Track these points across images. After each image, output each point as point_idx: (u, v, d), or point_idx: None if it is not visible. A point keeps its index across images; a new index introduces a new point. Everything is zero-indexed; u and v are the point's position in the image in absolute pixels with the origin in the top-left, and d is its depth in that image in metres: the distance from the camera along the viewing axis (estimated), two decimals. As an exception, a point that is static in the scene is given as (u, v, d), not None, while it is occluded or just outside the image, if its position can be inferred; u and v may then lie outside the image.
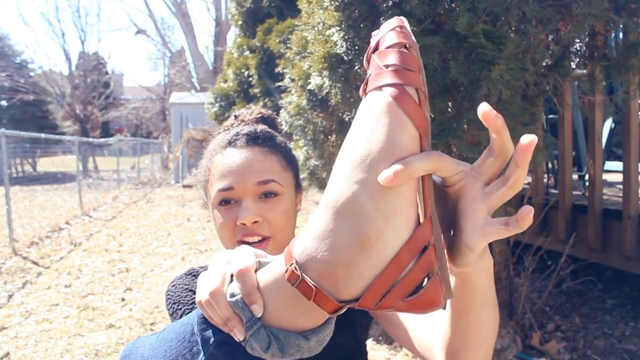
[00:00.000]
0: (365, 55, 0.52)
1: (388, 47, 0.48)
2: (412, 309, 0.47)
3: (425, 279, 0.47)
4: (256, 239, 0.82)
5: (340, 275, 0.46)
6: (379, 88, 0.47)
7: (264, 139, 0.87)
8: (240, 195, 0.82)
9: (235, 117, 0.96)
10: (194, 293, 0.91)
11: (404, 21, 0.50)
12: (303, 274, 0.47)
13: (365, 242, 0.45)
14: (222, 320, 0.51)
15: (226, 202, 0.83)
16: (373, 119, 0.47)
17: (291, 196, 0.88)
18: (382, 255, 0.45)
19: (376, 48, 0.50)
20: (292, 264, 0.47)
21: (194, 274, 0.93)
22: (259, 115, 0.96)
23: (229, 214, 0.82)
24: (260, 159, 0.84)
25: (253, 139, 0.86)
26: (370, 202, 0.45)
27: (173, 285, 0.91)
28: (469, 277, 0.56)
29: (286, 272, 0.48)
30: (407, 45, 0.48)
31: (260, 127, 0.90)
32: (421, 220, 0.48)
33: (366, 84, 0.49)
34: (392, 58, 0.47)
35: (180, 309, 0.87)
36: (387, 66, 0.48)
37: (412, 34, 0.50)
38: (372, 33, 0.52)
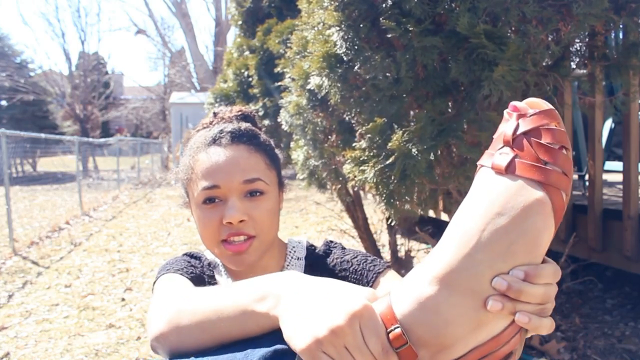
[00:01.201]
0: (508, 131, 0.52)
1: (550, 143, 0.50)
2: None
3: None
4: (242, 238, 0.80)
5: (447, 346, 0.48)
6: (533, 182, 0.49)
7: (249, 137, 0.86)
8: (225, 194, 0.81)
9: (215, 114, 0.94)
10: (192, 262, 0.90)
11: (558, 114, 0.52)
12: (409, 340, 0.48)
13: (483, 321, 0.48)
14: None
15: (211, 200, 0.81)
16: (520, 209, 0.48)
17: (275, 194, 0.87)
18: (490, 332, 0.49)
19: (528, 132, 0.51)
20: (397, 327, 0.48)
21: (190, 255, 0.93)
22: (239, 112, 0.94)
23: (214, 212, 0.81)
24: (245, 157, 0.83)
25: (238, 137, 0.85)
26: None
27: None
28: None
29: (389, 332, 0.49)
30: (565, 148, 0.51)
31: (244, 124, 0.89)
32: None
33: (512, 164, 0.50)
34: (556, 158, 0.49)
35: (169, 269, 0.85)
36: (546, 162, 0.49)
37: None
38: (515, 105, 0.53)
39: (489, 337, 0.49)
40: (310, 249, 0.95)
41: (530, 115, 0.51)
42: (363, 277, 0.85)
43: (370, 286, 0.83)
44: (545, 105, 0.52)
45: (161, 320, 0.66)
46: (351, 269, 0.87)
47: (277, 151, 0.92)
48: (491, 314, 0.48)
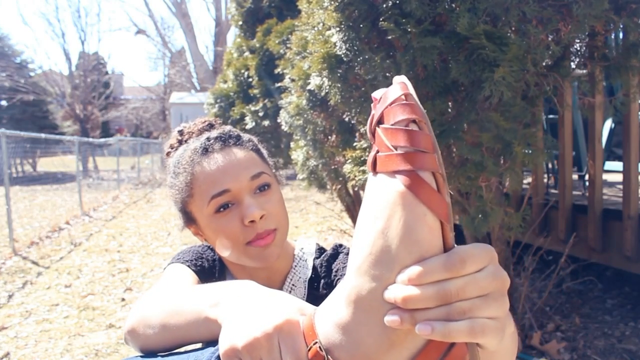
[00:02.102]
0: (368, 126, 0.47)
1: (395, 123, 0.44)
2: None
3: None
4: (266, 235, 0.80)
5: None
6: (391, 173, 0.44)
7: (236, 138, 0.85)
8: (237, 196, 0.80)
9: (180, 132, 0.93)
10: (206, 254, 0.91)
11: (408, 86, 0.45)
12: (328, 356, 0.45)
13: (394, 340, 0.44)
14: None
15: (224, 207, 0.79)
16: (388, 209, 0.43)
17: (278, 186, 0.88)
18: (413, 349, 0.44)
19: (381, 119, 0.45)
20: (315, 342, 0.46)
21: (208, 246, 0.94)
22: (205, 124, 0.93)
23: (231, 217, 0.79)
24: (242, 155, 0.83)
25: (227, 140, 0.84)
26: None
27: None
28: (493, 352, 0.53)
29: (309, 350, 0.47)
30: (417, 120, 0.44)
31: (227, 127, 0.89)
32: None
33: (374, 162, 0.46)
34: (402, 138, 0.43)
35: (179, 258, 0.88)
36: (396, 147, 0.43)
37: (418, 101, 0.45)
38: (374, 96, 0.47)
39: (412, 356, 0.44)
40: (319, 252, 0.95)
41: (378, 101, 0.46)
42: None
43: None
44: (396, 80, 0.46)
45: (135, 315, 0.68)
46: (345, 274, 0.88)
47: (261, 146, 0.91)
48: (400, 330, 0.43)
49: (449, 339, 0.41)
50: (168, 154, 0.93)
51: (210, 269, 0.88)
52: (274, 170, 0.91)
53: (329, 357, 0.45)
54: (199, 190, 0.81)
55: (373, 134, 0.46)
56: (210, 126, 0.93)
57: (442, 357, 0.44)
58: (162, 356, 0.60)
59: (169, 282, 0.79)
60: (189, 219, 0.87)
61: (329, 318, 0.47)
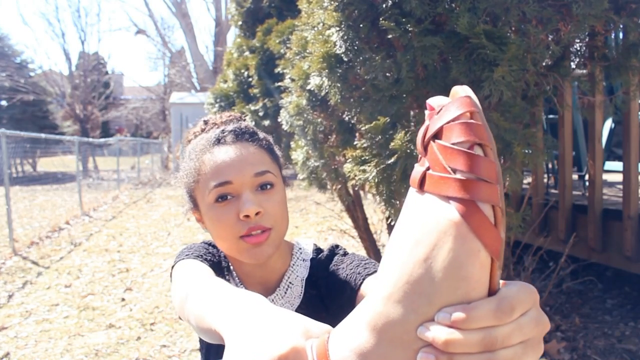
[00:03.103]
0: (420, 137, 0.42)
1: (456, 144, 0.38)
2: None
3: None
4: (259, 231, 0.81)
5: None
6: (444, 198, 0.39)
7: (250, 134, 0.87)
8: (238, 189, 0.81)
9: (205, 122, 0.95)
10: (210, 249, 0.92)
11: (475, 102, 0.40)
12: None
13: None
14: None
15: (223, 197, 0.81)
16: (434, 236, 0.39)
17: (283, 187, 0.89)
18: None
19: (437, 134, 0.40)
20: None
21: (209, 243, 0.95)
22: (230, 117, 0.95)
23: (228, 209, 0.81)
24: (252, 152, 0.84)
25: (241, 134, 0.86)
26: None
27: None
28: None
29: None
30: (482, 145, 0.39)
31: (244, 123, 0.91)
32: None
33: (423, 178, 0.41)
34: (463, 162, 0.38)
35: (188, 254, 0.88)
36: (454, 170, 0.38)
37: (487, 124, 0.40)
38: (430, 103, 0.42)
39: None
40: (316, 252, 0.96)
41: (438, 112, 0.40)
42: (351, 281, 0.86)
43: (357, 288, 0.84)
44: (461, 92, 0.40)
45: (176, 304, 0.73)
46: (342, 274, 0.88)
47: (275, 147, 0.93)
48: None
49: None
50: (190, 140, 0.94)
51: (218, 264, 0.89)
52: (283, 172, 0.92)
53: None
54: (204, 178, 0.83)
55: (425, 147, 0.41)
56: (236, 120, 0.95)
57: None
58: None
59: (196, 275, 0.78)
60: (194, 205, 0.89)
61: (346, 344, 0.43)
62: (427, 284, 0.39)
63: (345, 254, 0.94)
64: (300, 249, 0.95)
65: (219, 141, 0.85)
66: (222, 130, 0.87)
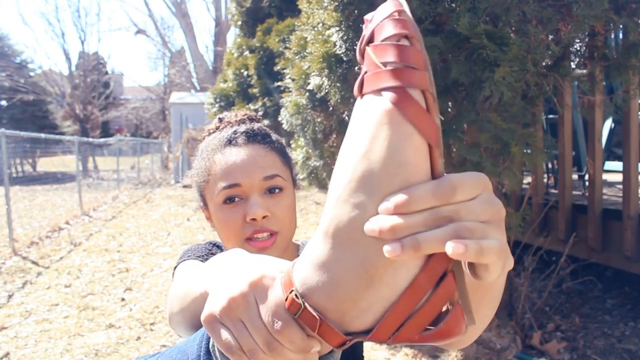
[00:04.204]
0: (358, 47, 0.43)
1: (385, 39, 0.40)
2: (431, 340, 0.41)
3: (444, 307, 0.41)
4: (265, 235, 0.81)
5: (347, 309, 0.41)
6: (378, 92, 0.40)
7: (263, 136, 0.87)
8: (246, 192, 0.81)
9: (220, 120, 0.95)
10: (213, 250, 0.92)
11: (404, 4, 0.42)
12: (305, 303, 0.41)
13: (373, 275, 0.40)
14: (262, 344, 0.44)
15: (231, 199, 0.82)
16: (371, 129, 0.40)
17: (292, 191, 0.89)
18: (394, 286, 0.40)
19: (371, 38, 0.42)
20: (292, 290, 0.42)
21: (213, 244, 0.94)
22: (245, 116, 0.95)
23: (236, 211, 0.81)
24: (262, 154, 0.84)
25: (253, 136, 0.86)
26: None
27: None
28: (488, 284, 0.49)
29: (286, 299, 0.43)
30: (409, 36, 0.40)
31: (257, 125, 0.91)
32: None
33: (362, 83, 0.42)
34: (391, 54, 0.39)
35: (190, 255, 0.88)
36: (385, 64, 0.40)
37: (413, 20, 0.41)
38: (365, 17, 0.44)
39: (395, 295, 0.40)
40: None
41: (369, 21, 0.42)
42: None
43: None
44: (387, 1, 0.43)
45: (168, 306, 0.72)
46: None
47: (288, 150, 0.93)
48: (380, 264, 0.39)
49: (478, 259, 0.37)
50: (204, 137, 0.94)
51: None
52: (294, 176, 0.92)
53: (306, 303, 0.41)
54: (213, 178, 0.84)
55: (362, 55, 0.42)
56: (250, 119, 0.95)
57: (428, 297, 0.40)
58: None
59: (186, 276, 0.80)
60: (204, 203, 0.89)
61: (306, 260, 0.43)
62: (368, 177, 0.39)
63: None
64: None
65: (230, 142, 0.85)
66: (235, 130, 0.87)
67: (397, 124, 0.39)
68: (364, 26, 0.43)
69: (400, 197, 0.38)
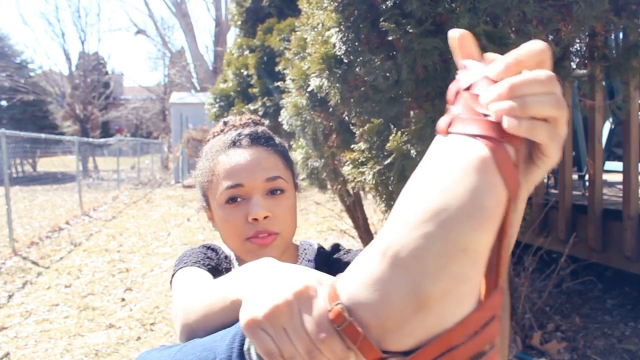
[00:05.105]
0: (452, 90, 0.46)
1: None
2: None
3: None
4: (265, 235, 0.83)
5: (390, 329, 0.43)
6: (472, 137, 0.43)
7: (266, 139, 0.89)
8: (249, 192, 0.83)
9: (225, 123, 0.97)
10: (209, 253, 0.92)
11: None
12: (351, 318, 0.44)
13: (424, 302, 0.42)
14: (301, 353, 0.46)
15: (233, 199, 0.83)
16: (458, 169, 0.42)
17: (294, 194, 0.90)
18: (441, 318, 0.42)
19: (469, 85, 0.45)
20: (338, 303, 0.44)
21: (207, 247, 0.95)
22: (249, 120, 0.97)
23: (238, 211, 0.83)
24: (265, 156, 0.86)
25: (256, 139, 0.88)
26: (439, 261, 0.41)
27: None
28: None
29: (330, 311, 0.45)
30: None
31: (260, 128, 0.93)
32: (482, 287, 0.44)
33: (450, 123, 0.45)
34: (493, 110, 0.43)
35: (187, 261, 0.88)
36: (486, 115, 0.43)
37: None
38: (462, 63, 0.47)
39: (440, 326, 0.42)
40: (320, 251, 0.99)
41: (473, 68, 0.46)
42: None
43: None
44: (493, 56, 0.47)
45: (178, 319, 0.70)
46: (344, 263, 0.90)
47: (290, 153, 0.95)
48: (433, 293, 0.41)
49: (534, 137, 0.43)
50: (208, 140, 0.96)
51: (216, 267, 0.90)
52: (296, 178, 0.94)
53: (351, 317, 0.43)
54: (216, 179, 0.85)
55: (455, 95, 0.46)
56: (254, 123, 0.97)
57: (472, 336, 0.42)
58: (199, 338, 0.60)
59: (191, 284, 0.80)
60: (207, 203, 0.91)
61: (356, 276, 0.45)
62: (444, 212, 0.41)
63: (347, 251, 0.97)
64: (305, 249, 0.97)
65: (234, 143, 0.87)
66: (239, 133, 0.89)
67: (487, 173, 0.42)
68: (463, 69, 0.47)
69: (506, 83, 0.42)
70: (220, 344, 0.54)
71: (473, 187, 0.41)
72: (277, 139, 0.93)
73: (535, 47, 0.44)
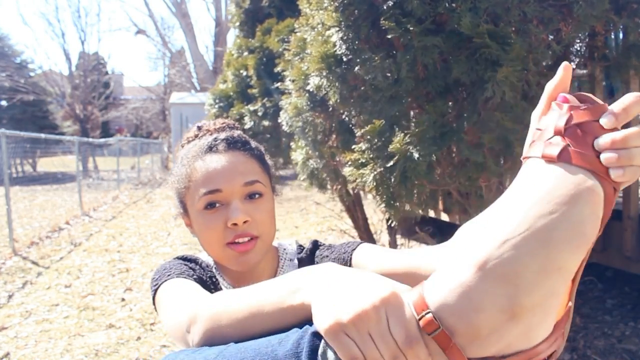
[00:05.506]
0: (562, 123, 0.51)
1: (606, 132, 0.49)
2: None
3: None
4: (246, 239, 0.82)
5: (479, 336, 0.46)
6: (587, 170, 0.48)
7: (243, 144, 0.89)
8: (227, 197, 0.83)
9: (199, 127, 0.97)
10: (190, 264, 0.88)
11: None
12: (442, 325, 0.46)
13: (516, 312, 0.45)
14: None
15: (212, 205, 0.83)
16: (565, 196, 0.47)
17: (272, 197, 0.91)
18: (527, 328, 0.46)
19: (582, 123, 0.50)
20: (428, 312, 0.47)
21: (184, 258, 0.90)
22: (224, 124, 0.97)
23: (217, 216, 0.82)
24: (242, 161, 0.86)
25: (233, 143, 0.88)
26: (536, 276, 0.45)
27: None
28: None
29: (420, 319, 0.47)
30: None
31: (237, 132, 0.92)
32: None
33: (564, 152, 0.49)
34: (609, 147, 0.48)
35: (170, 274, 0.83)
36: (599, 155, 0.48)
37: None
38: (564, 96, 0.53)
39: (525, 335, 0.46)
40: (300, 249, 0.98)
41: (584, 109, 0.51)
42: (341, 262, 0.87)
43: (349, 265, 0.85)
44: (598, 100, 0.52)
45: (197, 324, 0.64)
46: (331, 257, 0.90)
47: (267, 157, 0.95)
48: (527, 306, 0.45)
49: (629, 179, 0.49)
50: (183, 145, 0.96)
51: (200, 277, 0.86)
52: (273, 182, 0.94)
53: (442, 325, 0.46)
54: (194, 184, 0.85)
55: (565, 129, 0.50)
56: (229, 127, 0.96)
57: (552, 353, 0.49)
58: (235, 343, 0.58)
59: (196, 291, 0.75)
60: (184, 210, 0.90)
61: (445, 285, 0.47)
62: (547, 232, 0.45)
63: (329, 246, 0.96)
64: (284, 249, 0.97)
65: (211, 149, 0.86)
66: (215, 138, 0.88)
67: (595, 204, 0.47)
68: (566, 105, 0.52)
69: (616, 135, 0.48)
70: (279, 349, 0.52)
71: (580, 215, 0.46)
72: (254, 143, 0.92)
73: (636, 99, 0.50)
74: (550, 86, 0.56)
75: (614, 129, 0.49)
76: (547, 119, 0.54)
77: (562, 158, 0.49)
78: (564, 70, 0.54)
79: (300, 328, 0.54)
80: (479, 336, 0.46)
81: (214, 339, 0.63)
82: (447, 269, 0.49)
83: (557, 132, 0.51)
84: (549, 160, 0.49)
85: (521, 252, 0.45)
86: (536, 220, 0.46)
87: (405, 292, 0.50)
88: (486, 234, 0.48)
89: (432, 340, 0.46)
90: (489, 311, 0.45)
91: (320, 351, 0.50)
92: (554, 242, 0.45)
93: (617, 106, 0.50)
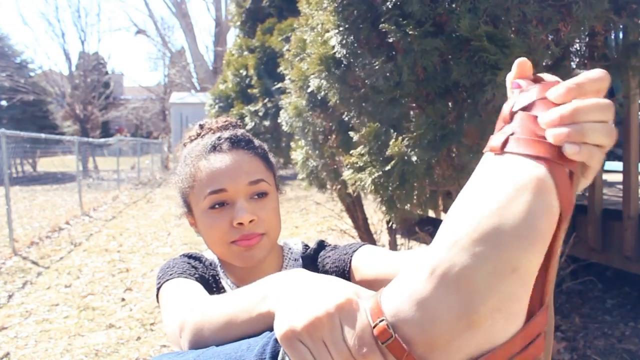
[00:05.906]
0: (507, 108, 0.47)
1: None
2: None
3: None
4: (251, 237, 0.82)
5: (437, 346, 0.43)
6: (530, 157, 0.43)
7: (247, 142, 0.89)
8: (232, 197, 0.83)
9: (201, 126, 0.96)
10: (193, 262, 0.89)
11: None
12: (396, 335, 0.44)
13: (474, 320, 0.42)
14: None
15: (218, 205, 0.83)
16: (513, 188, 0.42)
17: (276, 195, 0.90)
18: (489, 336, 0.43)
19: (527, 107, 0.45)
20: (382, 320, 0.44)
21: (189, 256, 0.92)
22: (226, 122, 0.96)
23: (222, 216, 0.82)
24: (247, 160, 0.86)
25: (237, 142, 0.87)
26: (489, 280, 0.42)
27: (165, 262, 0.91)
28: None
29: (374, 327, 0.45)
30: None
31: (240, 131, 0.92)
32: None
33: (506, 142, 0.45)
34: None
35: (172, 273, 0.84)
36: (544, 137, 0.43)
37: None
38: (517, 82, 0.48)
39: (488, 344, 0.43)
40: (305, 249, 0.98)
41: (531, 89, 0.46)
42: (342, 263, 0.87)
43: (349, 268, 0.85)
44: (549, 77, 0.48)
45: (185, 330, 0.66)
46: (333, 258, 0.90)
47: (270, 155, 0.94)
48: (483, 311, 0.42)
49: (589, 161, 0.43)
50: (185, 144, 0.95)
51: (202, 276, 0.87)
52: (277, 179, 0.93)
53: (397, 334, 0.43)
54: (199, 184, 0.84)
55: (511, 116, 0.46)
56: (232, 126, 0.96)
57: (518, 353, 0.43)
58: (215, 346, 0.59)
59: (191, 295, 0.76)
60: (188, 209, 0.90)
61: (402, 293, 0.45)
62: (496, 231, 0.42)
63: (334, 247, 0.96)
64: (290, 249, 0.96)
65: (214, 148, 0.86)
66: (219, 137, 0.88)
67: (544, 194, 0.42)
68: (512, 89, 0.47)
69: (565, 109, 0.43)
70: (247, 354, 0.53)
71: (528, 208, 0.42)
72: (257, 142, 0.92)
73: (596, 74, 0.45)
74: (508, 79, 0.52)
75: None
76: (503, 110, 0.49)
77: (505, 148, 0.45)
78: (518, 67, 0.50)
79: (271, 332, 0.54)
80: (437, 346, 0.43)
81: (199, 344, 0.64)
82: (405, 274, 0.47)
83: (504, 121, 0.47)
84: (495, 152, 0.46)
85: (470, 255, 0.42)
86: (482, 219, 0.42)
87: (366, 299, 0.48)
88: (439, 236, 0.46)
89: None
90: (444, 320, 0.43)
91: (279, 357, 0.50)
92: (504, 242, 0.41)
93: (571, 80, 0.45)
